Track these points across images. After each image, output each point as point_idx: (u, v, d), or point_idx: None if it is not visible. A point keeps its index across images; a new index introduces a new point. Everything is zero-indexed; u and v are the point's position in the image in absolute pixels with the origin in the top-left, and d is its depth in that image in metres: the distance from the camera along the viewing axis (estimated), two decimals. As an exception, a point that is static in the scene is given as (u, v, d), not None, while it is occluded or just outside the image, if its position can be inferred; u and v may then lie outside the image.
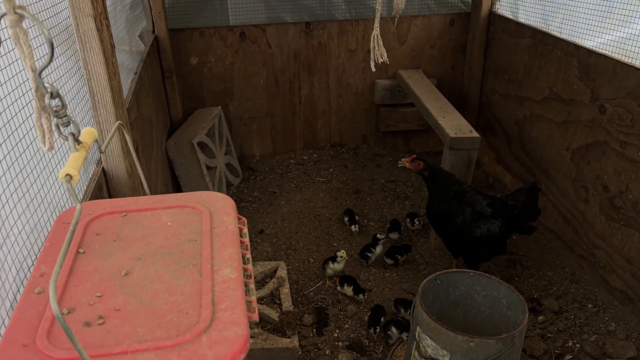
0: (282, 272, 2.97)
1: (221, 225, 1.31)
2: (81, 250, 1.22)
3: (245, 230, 1.34)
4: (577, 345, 2.67)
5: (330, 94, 4.39)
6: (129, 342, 0.96)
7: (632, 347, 2.60)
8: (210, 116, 3.87)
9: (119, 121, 1.27)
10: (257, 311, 1.08)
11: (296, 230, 3.63)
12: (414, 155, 2.93)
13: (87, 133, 1.10)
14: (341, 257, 3.05)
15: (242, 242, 1.29)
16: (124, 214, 1.37)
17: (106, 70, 1.66)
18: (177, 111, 3.98)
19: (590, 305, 2.90)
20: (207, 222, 1.32)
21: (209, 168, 3.71)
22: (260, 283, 2.96)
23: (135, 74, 2.87)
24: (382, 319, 2.71)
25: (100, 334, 0.98)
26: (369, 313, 2.76)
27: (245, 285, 1.14)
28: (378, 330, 2.68)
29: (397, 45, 4.29)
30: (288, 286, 2.89)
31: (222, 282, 1.12)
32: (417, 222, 3.53)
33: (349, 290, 2.94)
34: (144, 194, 1.65)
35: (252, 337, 2.53)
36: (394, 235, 3.47)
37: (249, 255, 1.25)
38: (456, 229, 2.86)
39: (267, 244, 3.47)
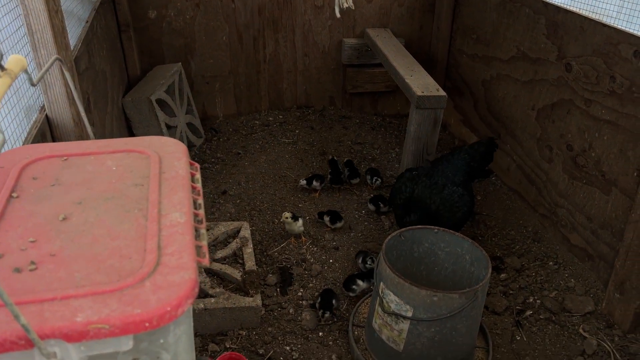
0: (246, 232, 2.90)
1: (171, 169, 1.22)
2: (14, 195, 1.11)
3: (198, 176, 1.26)
4: (537, 301, 2.70)
5: (296, 52, 4.26)
6: (64, 287, 0.88)
7: (590, 302, 2.65)
8: (169, 73, 3.70)
9: (55, 55, 1.15)
10: (207, 256, 1.00)
11: (261, 192, 3.55)
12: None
13: (14, 60, 0.98)
14: (285, 218, 2.95)
15: (193, 188, 1.20)
16: (65, 158, 1.26)
17: (46, 7, 1.52)
18: (135, 67, 3.80)
19: (551, 263, 2.94)
20: (156, 167, 1.22)
21: (168, 127, 3.57)
22: (223, 243, 2.89)
23: (87, 22, 2.69)
24: (333, 301, 2.53)
25: (32, 279, 0.90)
26: (319, 299, 2.56)
27: (196, 230, 1.06)
28: (327, 315, 2.50)
29: (365, 2, 4.17)
30: (251, 246, 2.82)
31: (169, 227, 1.04)
32: (376, 181, 3.54)
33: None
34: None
35: (213, 296, 2.47)
36: (355, 181, 3.57)
37: (200, 201, 1.17)
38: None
39: (231, 204, 3.39)
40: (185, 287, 0.90)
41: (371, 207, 3.33)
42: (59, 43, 1.61)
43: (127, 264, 0.94)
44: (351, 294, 2.66)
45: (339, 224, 3.13)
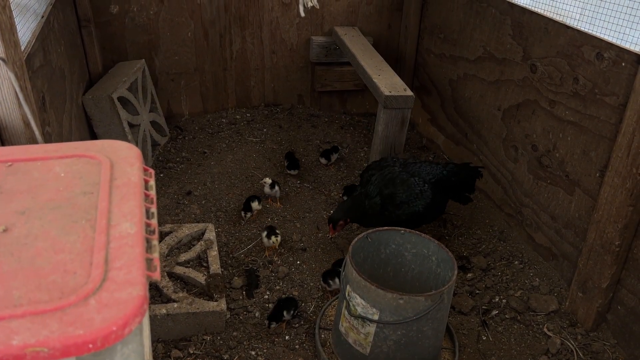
0: (211, 234, 2.84)
1: (123, 176, 1.16)
2: (-49, 205, 1.04)
3: (152, 182, 1.20)
4: (503, 300, 2.72)
5: (263, 49, 4.20)
6: (0, 307, 0.82)
7: (554, 301, 2.68)
8: (132, 70, 3.59)
9: (-3, 55, 1.08)
10: (158, 269, 0.95)
11: (227, 192, 3.49)
12: (330, 224, 2.83)
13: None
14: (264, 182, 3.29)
15: (147, 195, 1.15)
16: (9, 163, 1.19)
17: (-9, 2, 1.44)
18: (97, 64, 3.67)
19: (516, 262, 2.97)
20: (107, 173, 1.16)
21: (131, 126, 3.47)
22: (187, 246, 2.82)
23: (42, 17, 2.58)
24: (284, 313, 2.45)
25: (-36, 299, 0.83)
26: (274, 305, 2.53)
27: (147, 242, 1.01)
28: (273, 325, 2.45)
29: (333, 0, 4.13)
30: (216, 249, 2.76)
31: (119, 239, 0.98)
32: (333, 157, 3.78)
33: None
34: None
35: (176, 301, 2.41)
36: (294, 172, 3.64)
37: (153, 210, 1.12)
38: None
39: (196, 205, 3.32)
40: (132, 304, 0.85)
41: (323, 160, 3.70)
42: (7, 41, 1.52)
43: (71, 279, 0.89)
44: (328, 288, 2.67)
45: (273, 238, 2.89)
